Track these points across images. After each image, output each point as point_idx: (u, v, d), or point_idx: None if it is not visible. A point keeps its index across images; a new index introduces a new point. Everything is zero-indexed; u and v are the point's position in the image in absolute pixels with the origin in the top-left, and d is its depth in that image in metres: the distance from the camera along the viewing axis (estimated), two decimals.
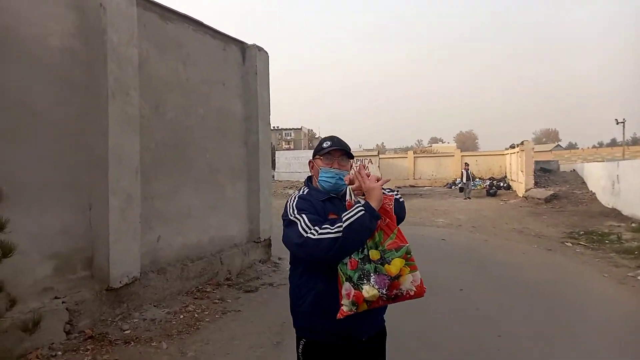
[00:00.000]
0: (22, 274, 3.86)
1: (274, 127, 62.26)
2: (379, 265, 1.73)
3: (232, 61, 7.02)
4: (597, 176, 15.97)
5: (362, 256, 1.74)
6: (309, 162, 2.13)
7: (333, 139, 2.06)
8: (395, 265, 1.73)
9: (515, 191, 20.87)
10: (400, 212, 1.99)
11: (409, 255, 1.77)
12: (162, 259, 5.42)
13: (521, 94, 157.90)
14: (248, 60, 7.30)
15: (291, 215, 1.87)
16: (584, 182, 18.13)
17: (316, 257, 1.76)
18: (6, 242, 2.89)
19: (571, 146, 73.01)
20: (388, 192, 1.96)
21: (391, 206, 1.87)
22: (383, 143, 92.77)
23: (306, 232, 1.77)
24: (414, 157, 30.05)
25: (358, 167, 1.93)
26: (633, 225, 10.49)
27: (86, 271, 4.46)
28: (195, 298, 5.41)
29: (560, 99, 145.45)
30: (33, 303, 3.90)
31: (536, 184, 18.38)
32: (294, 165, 30.44)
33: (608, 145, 66.23)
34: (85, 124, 4.47)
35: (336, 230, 1.72)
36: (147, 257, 5.13)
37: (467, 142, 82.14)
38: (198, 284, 5.80)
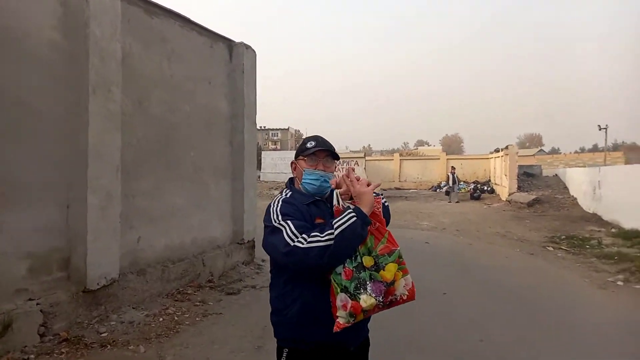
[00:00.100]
0: None
1: (260, 127, 61.92)
2: (373, 272, 1.66)
3: (218, 59, 6.91)
4: (578, 181, 16.23)
5: (356, 264, 1.66)
6: (291, 163, 2.01)
7: (317, 138, 1.95)
8: (389, 271, 1.67)
9: (498, 195, 21.10)
10: (386, 216, 1.92)
11: (400, 259, 1.72)
12: (143, 260, 5.29)
13: (506, 99, 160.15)
14: (235, 58, 7.21)
15: (275, 222, 1.75)
16: (565, 187, 18.42)
17: (304, 267, 1.67)
18: None
19: (554, 151, 74.31)
20: (374, 195, 1.89)
21: (380, 209, 1.80)
22: (370, 145, 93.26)
23: (293, 241, 1.66)
24: (400, 159, 30.20)
25: (346, 171, 1.84)
26: (613, 230, 10.66)
27: (62, 272, 4.31)
28: (176, 300, 5.30)
29: (544, 104, 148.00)
30: (5, 305, 3.75)
31: (519, 188, 18.61)
32: (280, 166, 30.32)
33: (590, 150, 67.50)
34: (64, 119, 4.32)
35: (327, 238, 1.63)
36: (126, 257, 5.00)
37: (452, 146, 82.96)
38: (179, 285, 5.68)
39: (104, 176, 4.52)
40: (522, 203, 16.43)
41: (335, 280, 1.65)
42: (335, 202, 1.79)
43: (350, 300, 1.60)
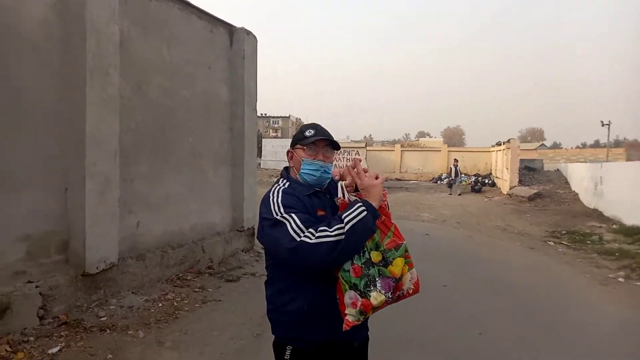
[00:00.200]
0: None
1: (261, 114, 61.70)
2: (381, 267, 1.59)
3: (219, 44, 6.82)
4: (580, 177, 16.18)
5: (364, 260, 1.58)
6: (288, 151, 1.89)
7: (316, 127, 1.84)
8: (397, 266, 1.60)
9: (499, 188, 21.09)
10: None
11: (407, 253, 1.65)
12: (142, 245, 5.27)
13: (508, 93, 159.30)
14: (236, 44, 7.11)
15: (277, 214, 1.63)
16: (567, 182, 18.38)
17: (311, 264, 1.55)
18: None
19: (555, 146, 74.16)
20: None
21: (386, 201, 1.73)
22: (371, 135, 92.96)
23: (299, 236, 1.55)
24: (401, 150, 30.13)
25: (353, 162, 1.75)
26: (614, 226, 10.63)
27: (61, 255, 4.29)
28: (175, 286, 5.29)
29: (547, 99, 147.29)
30: (4, 287, 3.73)
31: (520, 182, 18.58)
32: (280, 154, 30.23)
33: (591, 146, 67.39)
34: (61, 102, 4.26)
35: (336, 233, 1.52)
36: (125, 242, 4.97)
37: (454, 138, 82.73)
38: (178, 271, 5.67)
39: (102, 160, 4.47)
40: (523, 197, 16.40)
41: (343, 278, 1.57)
42: (340, 194, 1.70)
43: (360, 298, 1.54)
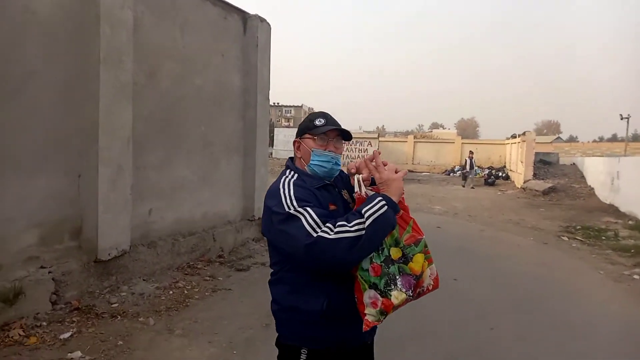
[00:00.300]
0: (7, 242, 3.75)
1: (273, 103, 61.68)
2: (401, 264, 1.51)
3: (232, 31, 6.76)
4: (596, 171, 15.87)
5: (383, 258, 1.49)
6: (295, 141, 1.78)
7: (326, 116, 1.74)
8: (417, 262, 1.53)
9: (513, 182, 20.82)
10: None
11: (426, 248, 1.58)
12: (153, 233, 5.31)
13: (525, 85, 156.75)
14: (249, 31, 7.04)
15: (290, 208, 1.51)
16: (583, 176, 18.05)
17: (330, 261, 1.44)
18: None
19: (572, 139, 72.88)
20: None
21: (403, 194, 1.65)
22: (383, 126, 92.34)
23: (316, 231, 1.43)
24: (414, 141, 29.86)
25: (372, 154, 1.66)
26: (630, 222, 10.42)
27: (74, 241, 4.33)
28: (186, 274, 5.32)
29: (565, 91, 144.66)
30: (18, 272, 3.78)
31: (535, 176, 18.30)
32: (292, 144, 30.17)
33: (609, 140, 66.12)
34: (76, 88, 4.26)
35: (356, 228, 1.43)
36: (137, 229, 5.00)
37: (467, 130, 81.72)
38: (189, 259, 5.70)
39: (115, 147, 4.48)
40: (537, 191, 16.17)
41: (362, 277, 1.48)
42: (356, 188, 1.60)
43: (380, 298, 1.46)
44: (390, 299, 1.47)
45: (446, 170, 27.02)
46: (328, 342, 1.62)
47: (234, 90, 6.84)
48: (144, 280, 4.89)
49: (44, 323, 3.72)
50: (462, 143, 28.62)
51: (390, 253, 1.51)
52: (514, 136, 23.13)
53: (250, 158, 7.13)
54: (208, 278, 5.28)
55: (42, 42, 4.00)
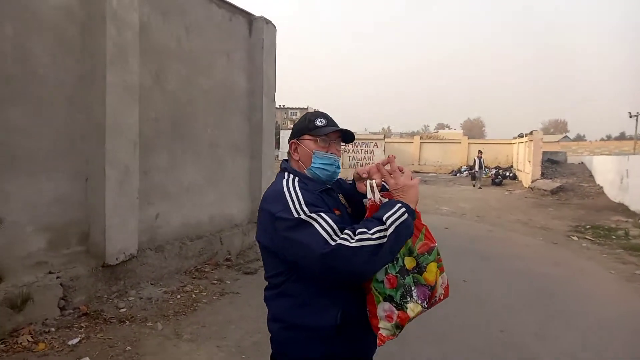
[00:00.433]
0: (14, 246, 3.74)
1: (279, 105, 61.65)
2: (416, 274, 1.43)
3: (237, 33, 6.75)
4: (605, 170, 15.72)
5: (398, 268, 1.40)
6: (292, 142, 1.65)
7: (326, 116, 1.63)
8: (431, 272, 1.45)
9: (521, 181, 20.68)
10: None
11: (439, 256, 1.50)
12: (161, 237, 5.29)
13: (531, 83, 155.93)
14: (254, 33, 7.03)
15: (300, 213, 1.37)
16: (591, 175, 17.88)
17: (346, 272, 1.31)
18: None
19: (579, 138, 72.36)
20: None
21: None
22: (389, 127, 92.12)
23: (333, 239, 1.30)
24: (420, 142, 29.75)
25: (386, 159, 1.55)
26: None
27: (81, 246, 4.33)
28: (194, 278, 5.31)
29: (571, 89, 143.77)
30: (26, 277, 3.77)
31: (543, 175, 18.15)
32: None
33: (616, 138, 65.51)
34: (82, 90, 4.26)
35: (378, 235, 1.30)
36: (145, 233, 4.99)
37: (473, 130, 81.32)
38: (197, 263, 5.68)
39: (122, 150, 4.47)
40: (545, 190, 16.03)
41: (376, 289, 1.39)
42: (369, 194, 1.49)
43: (396, 310, 1.38)
44: (406, 312, 1.39)
45: (453, 171, 26.89)
46: (341, 359, 1.49)
47: (239, 92, 6.82)
48: (151, 284, 4.88)
49: (53, 329, 3.71)
50: (469, 143, 28.48)
51: (405, 263, 1.43)
52: (521, 135, 22.97)
53: (257, 160, 7.11)
54: (216, 282, 5.26)
55: (48, 44, 4.00)
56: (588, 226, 10.04)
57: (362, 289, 1.46)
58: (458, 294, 5.11)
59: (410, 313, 1.39)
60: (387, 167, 1.55)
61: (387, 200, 1.47)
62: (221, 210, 6.40)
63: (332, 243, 1.30)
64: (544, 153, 19.96)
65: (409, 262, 1.44)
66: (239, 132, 6.84)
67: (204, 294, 4.85)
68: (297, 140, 1.64)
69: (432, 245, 1.50)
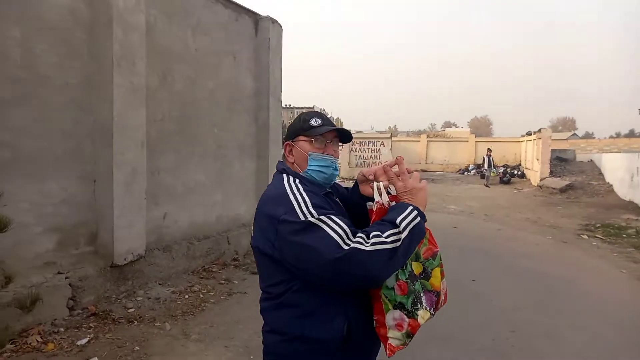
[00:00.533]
0: (23, 247, 3.76)
1: (285, 104, 61.67)
2: (423, 280, 1.38)
3: (243, 33, 6.75)
4: (615, 167, 15.54)
5: (408, 274, 1.35)
6: (286, 144, 1.57)
7: (322, 116, 1.55)
8: (436, 277, 1.40)
9: (529, 180, 20.50)
10: None
11: (441, 261, 1.46)
12: (168, 237, 5.30)
13: (539, 81, 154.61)
14: (261, 33, 7.02)
15: (307, 215, 1.29)
16: (600, 173, 17.70)
17: (359, 278, 1.24)
18: (1, 216, 2.73)
19: (588, 135, 71.73)
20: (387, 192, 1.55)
21: None
22: (395, 125, 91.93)
23: (346, 242, 1.23)
24: (427, 141, 29.59)
25: (394, 160, 1.48)
26: None
27: (90, 246, 4.35)
28: (201, 278, 5.31)
29: (580, 87, 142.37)
30: (35, 278, 3.79)
31: (551, 173, 17.99)
32: None
33: (626, 136, 64.82)
34: (90, 92, 4.28)
35: (392, 239, 1.24)
36: (152, 234, 5.01)
37: (481, 128, 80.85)
38: (204, 263, 5.69)
39: (129, 151, 4.48)
40: (554, 189, 15.89)
41: (386, 297, 1.34)
42: (377, 197, 1.43)
43: (407, 319, 1.33)
44: (417, 320, 1.34)
45: (460, 169, 26.73)
46: None
47: (246, 92, 6.82)
48: (159, 284, 4.89)
49: (62, 329, 3.73)
50: (476, 141, 28.29)
51: (413, 268, 1.38)
52: (529, 133, 22.77)
53: (263, 160, 7.11)
54: (223, 281, 5.26)
55: (56, 47, 4.02)
56: (598, 225, 9.92)
57: (369, 296, 1.40)
58: (467, 293, 5.08)
59: (421, 320, 1.35)
60: (395, 168, 1.48)
61: (394, 203, 1.41)
62: (228, 210, 6.40)
63: (346, 247, 1.22)
64: (553, 151, 19.79)
65: (417, 268, 1.39)
66: (245, 132, 6.83)
67: (212, 293, 4.85)
68: (292, 141, 1.56)
69: (435, 250, 1.45)
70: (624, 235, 8.74)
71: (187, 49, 5.56)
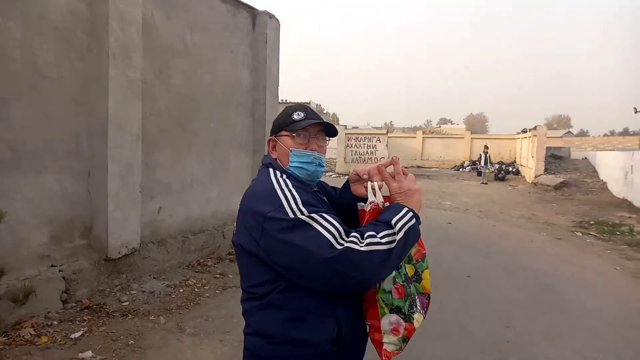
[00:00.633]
0: (17, 240, 3.73)
1: (281, 100, 61.42)
2: (415, 282, 1.36)
3: (241, 28, 6.70)
4: (609, 165, 15.64)
5: (403, 277, 1.32)
6: (269, 140, 1.50)
7: (306, 109, 1.45)
8: (426, 279, 1.38)
9: (524, 177, 20.59)
10: None
11: (428, 263, 1.44)
12: (163, 230, 5.28)
13: (535, 78, 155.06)
14: (258, 28, 6.98)
15: (297, 213, 1.22)
16: (595, 171, 17.81)
17: (352, 279, 1.18)
18: None
19: (582, 133, 72.09)
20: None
21: None
22: (392, 122, 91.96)
23: (339, 242, 1.17)
24: (423, 137, 29.66)
25: (389, 161, 1.43)
26: None
27: (84, 240, 4.32)
28: (196, 272, 5.30)
29: (574, 85, 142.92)
30: (28, 270, 3.77)
31: (546, 171, 18.08)
32: None
33: (620, 134, 65.21)
34: (85, 86, 4.23)
35: (387, 240, 1.18)
36: (147, 227, 4.98)
37: (476, 125, 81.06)
38: (199, 257, 5.68)
39: (124, 145, 4.45)
40: (548, 186, 15.98)
41: (383, 300, 1.30)
42: (371, 197, 1.38)
43: (403, 323, 1.30)
44: (412, 323, 1.31)
45: (455, 166, 26.82)
46: None
47: (243, 87, 6.78)
48: (154, 278, 4.88)
49: (55, 322, 3.71)
50: (472, 138, 28.39)
51: (407, 271, 1.36)
52: (524, 131, 22.84)
53: (259, 155, 7.06)
54: (218, 275, 5.25)
55: (53, 42, 3.97)
56: (592, 222, 9.99)
57: (359, 298, 1.37)
58: (462, 289, 5.10)
59: (416, 324, 1.32)
60: (390, 169, 1.44)
61: (388, 204, 1.37)
62: (224, 204, 6.38)
63: (339, 247, 1.16)
64: (548, 148, 19.87)
65: (410, 270, 1.37)
66: (241, 127, 6.80)
67: (207, 287, 4.85)
68: (275, 136, 1.49)
69: (423, 251, 1.42)
70: (618, 233, 8.81)
71: (184, 43, 5.51)
